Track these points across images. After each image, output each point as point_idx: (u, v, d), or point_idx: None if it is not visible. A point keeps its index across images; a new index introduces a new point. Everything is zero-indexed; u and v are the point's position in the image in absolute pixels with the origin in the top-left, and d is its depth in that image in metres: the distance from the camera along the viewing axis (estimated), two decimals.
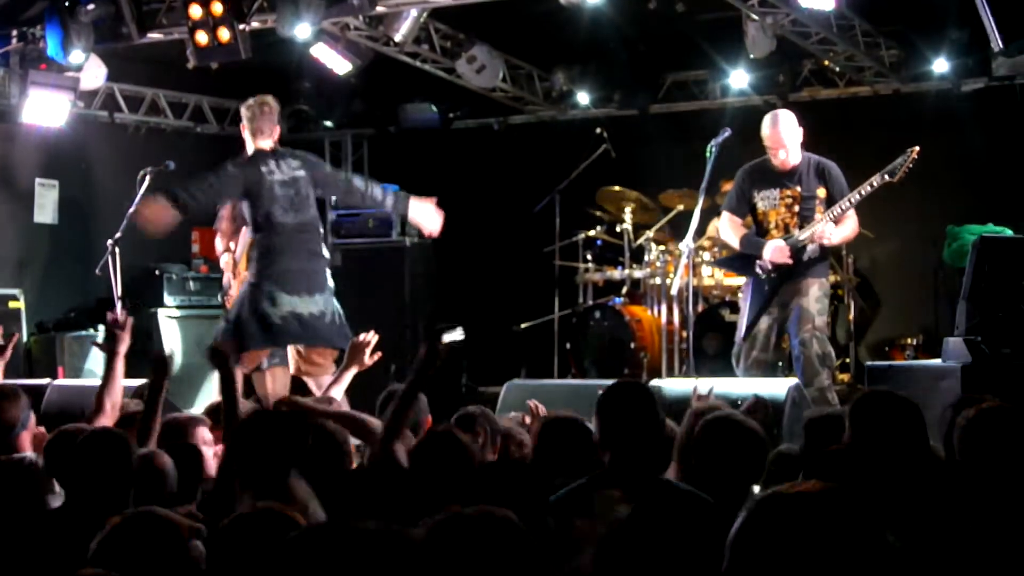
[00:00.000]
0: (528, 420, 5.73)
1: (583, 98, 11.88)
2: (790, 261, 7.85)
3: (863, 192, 7.71)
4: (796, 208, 7.93)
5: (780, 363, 8.51)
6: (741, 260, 8.17)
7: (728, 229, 8.20)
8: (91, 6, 8.91)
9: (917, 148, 7.63)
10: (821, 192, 7.93)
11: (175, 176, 9.29)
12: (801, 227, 7.89)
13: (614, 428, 4.01)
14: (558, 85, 11.97)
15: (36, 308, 11.11)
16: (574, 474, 4.10)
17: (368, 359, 6.43)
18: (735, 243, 8.16)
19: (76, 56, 9.20)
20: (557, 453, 4.54)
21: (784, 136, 7.90)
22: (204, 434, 5.38)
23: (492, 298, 12.20)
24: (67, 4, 8.94)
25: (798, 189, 7.94)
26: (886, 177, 7.65)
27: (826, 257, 8.09)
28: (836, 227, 7.81)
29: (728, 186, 10.86)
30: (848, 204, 7.77)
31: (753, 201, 8.07)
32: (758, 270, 7.96)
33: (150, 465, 4.44)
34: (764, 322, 7.93)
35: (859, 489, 3.50)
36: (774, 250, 7.87)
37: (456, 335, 4.73)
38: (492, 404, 7.68)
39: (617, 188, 11.11)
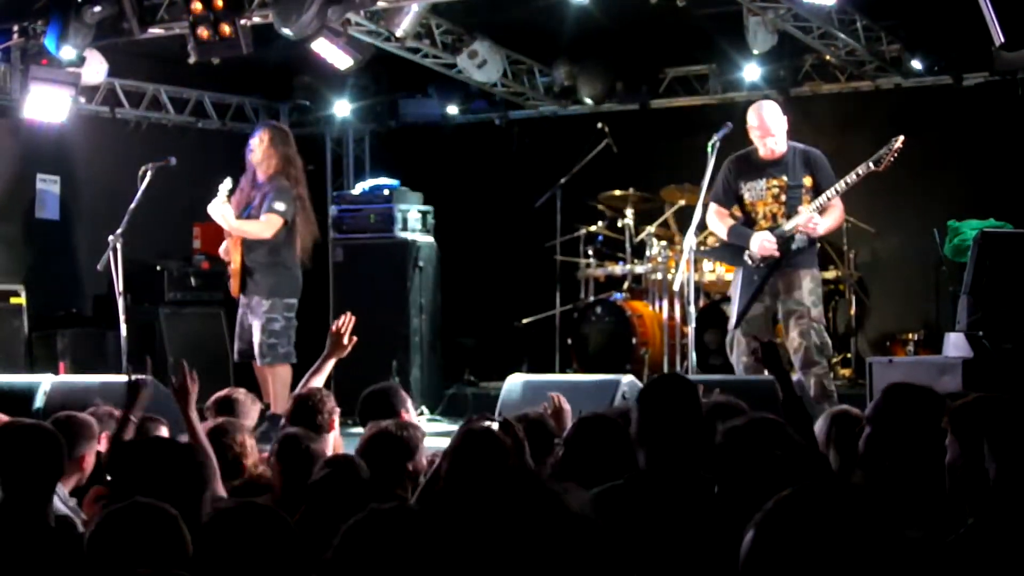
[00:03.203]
0: (548, 412, 5.67)
1: (584, 93, 11.86)
2: (777, 253, 7.86)
3: (848, 181, 7.74)
4: (783, 198, 7.95)
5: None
6: (730, 249, 8.19)
7: (716, 220, 8.22)
8: (97, 8, 8.90)
9: (902, 137, 7.67)
10: (807, 181, 7.95)
11: (176, 172, 9.30)
12: (788, 217, 7.91)
13: (653, 423, 3.86)
14: (559, 80, 11.97)
15: (37, 304, 11.10)
16: (608, 474, 3.98)
17: (347, 342, 6.27)
18: (723, 234, 8.20)
19: (67, 52, 9.19)
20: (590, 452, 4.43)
21: (771, 124, 7.94)
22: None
23: (494, 293, 12.21)
24: (72, 3, 8.92)
25: (784, 178, 7.96)
26: (871, 166, 7.68)
27: (815, 244, 8.10)
28: (822, 217, 7.82)
29: None
30: (833, 193, 7.80)
31: (739, 192, 8.10)
32: (747, 259, 7.98)
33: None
34: (756, 309, 7.94)
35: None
36: (760, 243, 7.89)
37: (492, 425, 4.79)
38: (494, 400, 7.70)
39: (618, 192, 11.10)
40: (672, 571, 3.52)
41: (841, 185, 7.76)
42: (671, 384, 4.05)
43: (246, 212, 8.95)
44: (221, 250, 9.17)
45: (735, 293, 8.15)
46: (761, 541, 2.13)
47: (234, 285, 9.04)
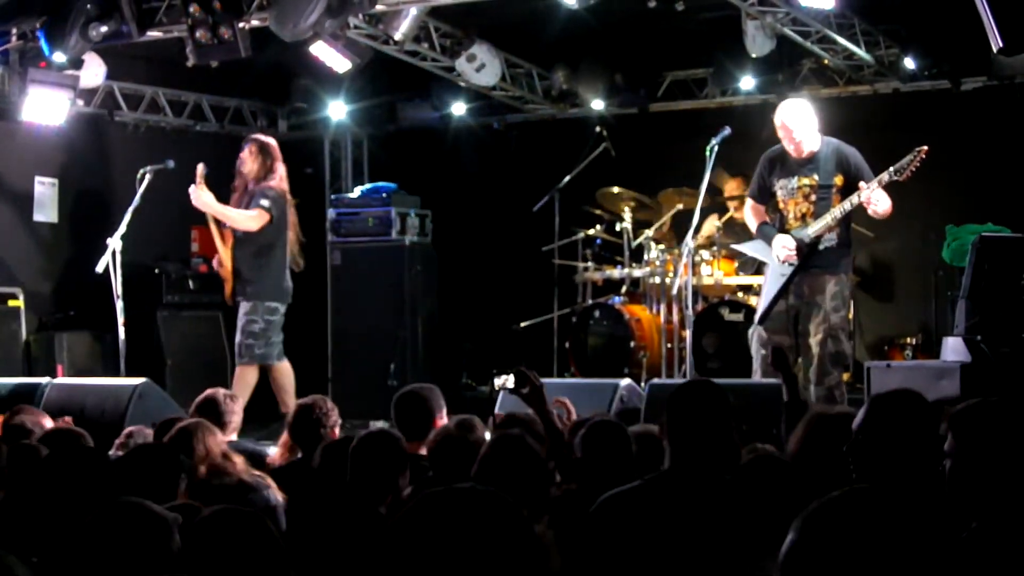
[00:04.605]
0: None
1: (583, 96, 11.87)
2: (795, 259, 7.83)
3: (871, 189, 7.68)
4: (813, 198, 7.90)
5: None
6: (760, 245, 8.18)
7: (749, 215, 8.28)
8: (104, 28, 8.90)
9: (926, 148, 7.51)
10: (838, 180, 7.84)
11: (174, 175, 9.31)
12: (817, 218, 7.87)
13: (681, 427, 3.96)
14: (558, 84, 11.97)
15: (35, 306, 11.11)
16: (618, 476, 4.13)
17: None
18: (754, 230, 8.21)
19: (59, 56, 9.20)
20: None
21: (794, 126, 7.87)
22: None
23: (491, 297, 12.21)
24: (79, 15, 8.92)
25: (815, 178, 7.89)
26: (893, 176, 7.60)
27: (845, 248, 7.99)
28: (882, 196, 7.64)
29: (729, 184, 10.89)
30: (857, 200, 7.66)
31: (772, 189, 8.06)
32: (775, 257, 7.98)
33: None
34: (781, 306, 7.93)
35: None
36: (780, 248, 7.88)
37: (508, 382, 4.79)
38: (491, 403, 7.70)
39: (616, 189, 11.10)
40: (689, 570, 3.58)
41: (865, 193, 7.65)
42: (702, 389, 4.13)
43: None
44: (215, 262, 9.29)
45: (763, 289, 8.18)
46: (804, 540, 2.16)
47: (227, 289, 9.16)
